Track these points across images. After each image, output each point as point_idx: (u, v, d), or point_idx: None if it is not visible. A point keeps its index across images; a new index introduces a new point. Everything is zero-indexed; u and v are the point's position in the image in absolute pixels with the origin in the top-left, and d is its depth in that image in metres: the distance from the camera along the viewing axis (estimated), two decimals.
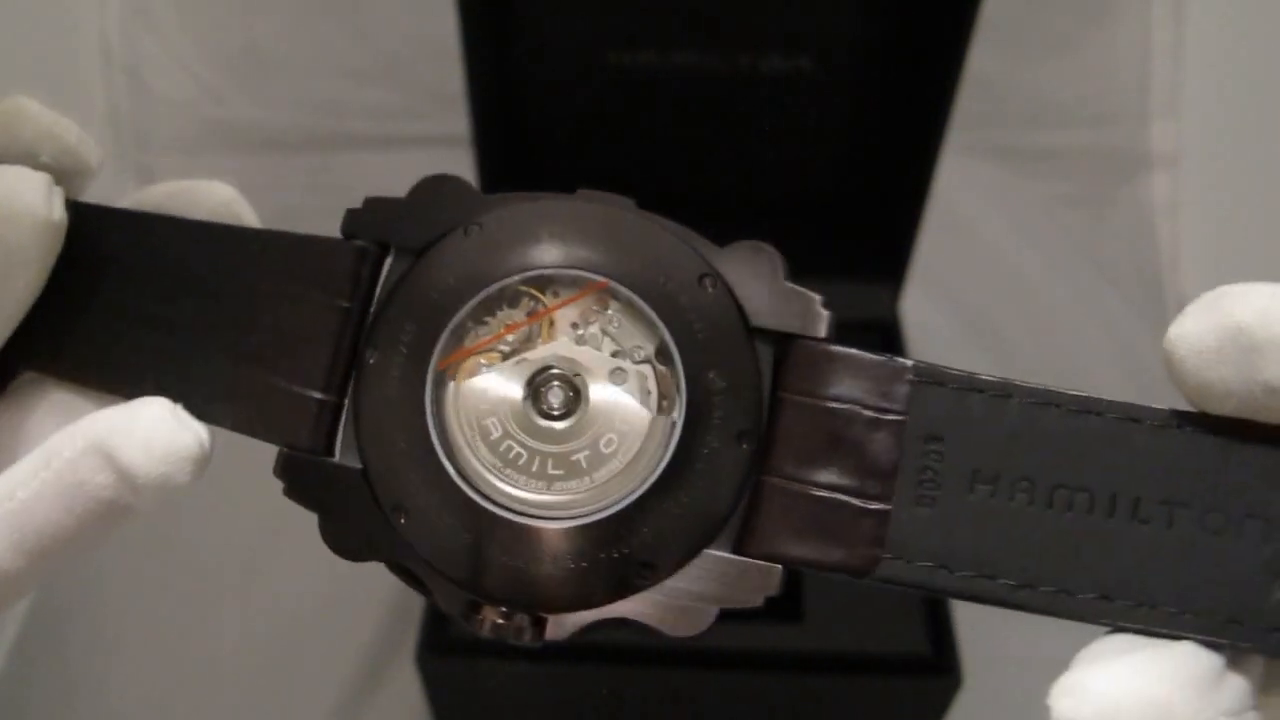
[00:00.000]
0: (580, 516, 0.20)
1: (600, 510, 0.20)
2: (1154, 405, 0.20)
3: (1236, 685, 0.18)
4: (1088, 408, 0.20)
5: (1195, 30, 0.69)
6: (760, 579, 0.20)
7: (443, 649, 0.45)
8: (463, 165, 0.55)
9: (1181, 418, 0.20)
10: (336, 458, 0.22)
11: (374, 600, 0.58)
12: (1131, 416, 0.20)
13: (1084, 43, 0.70)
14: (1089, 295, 0.70)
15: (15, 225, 0.21)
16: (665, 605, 0.21)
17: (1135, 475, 0.20)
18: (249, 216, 0.27)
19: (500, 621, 0.20)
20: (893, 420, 0.20)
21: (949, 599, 0.21)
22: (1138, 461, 0.20)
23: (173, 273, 0.23)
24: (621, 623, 0.21)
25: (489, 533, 0.20)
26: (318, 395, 0.21)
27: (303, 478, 0.22)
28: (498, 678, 0.47)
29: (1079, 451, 0.20)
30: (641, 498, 0.20)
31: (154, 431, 0.20)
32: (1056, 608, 0.20)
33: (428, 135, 0.71)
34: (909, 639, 0.47)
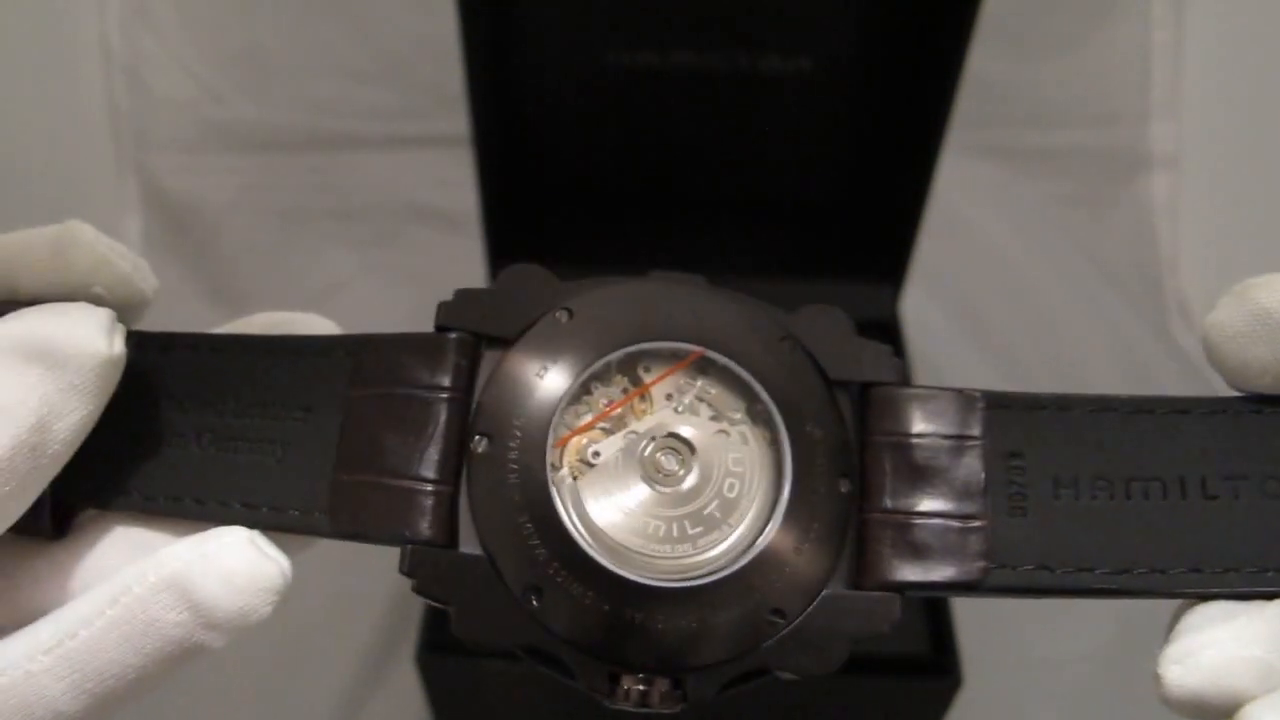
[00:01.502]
0: (714, 572, 0.22)
1: (727, 568, 0.22)
2: (1199, 395, 0.22)
3: None
4: (1140, 407, 0.22)
5: (1195, 30, 0.69)
6: (883, 609, 0.22)
7: (443, 649, 0.45)
8: (463, 165, 0.55)
9: (1225, 403, 0.22)
10: (460, 548, 0.22)
11: (374, 600, 0.58)
12: (1180, 409, 0.22)
13: (1084, 43, 0.70)
14: (1089, 295, 0.70)
15: (73, 361, 0.20)
16: (799, 647, 0.22)
17: (1195, 459, 0.22)
18: None
19: (642, 689, 0.21)
20: (973, 445, 0.22)
21: (1049, 596, 0.22)
22: (1194, 447, 0.22)
23: (251, 390, 0.23)
24: (759, 674, 0.22)
25: (628, 600, 0.21)
26: (431, 487, 0.21)
27: (430, 571, 0.21)
28: (498, 678, 0.47)
29: (1142, 446, 0.22)
30: (764, 551, 0.22)
31: (235, 563, 0.20)
32: (1153, 587, 0.21)
33: (428, 135, 0.71)
34: (909, 639, 0.47)
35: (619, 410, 0.23)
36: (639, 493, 0.23)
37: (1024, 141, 0.73)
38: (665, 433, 0.23)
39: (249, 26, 0.70)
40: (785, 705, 0.47)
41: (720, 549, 0.22)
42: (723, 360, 0.23)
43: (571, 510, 0.22)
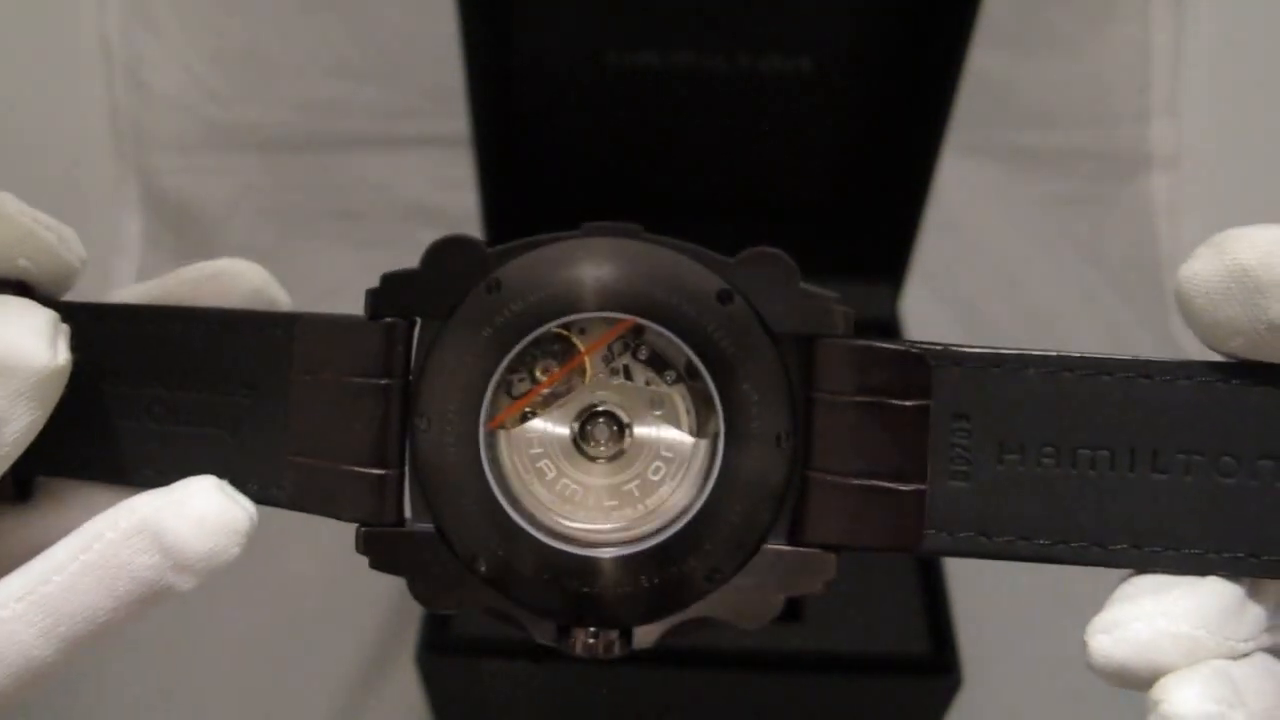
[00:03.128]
0: (643, 540, 0.22)
1: (661, 532, 0.22)
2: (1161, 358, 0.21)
3: (1255, 613, 0.20)
4: (1101, 369, 0.21)
5: (1195, 30, 0.69)
6: (818, 566, 0.22)
7: (443, 649, 0.45)
8: (463, 165, 0.55)
9: (1189, 368, 0.21)
10: (408, 525, 0.23)
11: (374, 600, 0.58)
12: (1142, 373, 0.21)
13: (1084, 43, 0.70)
14: (1089, 295, 0.70)
15: (19, 371, 0.20)
16: (735, 601, 0.22)
17: (1150, 429, 0.21)
18: (282, 299, 0.27)
19: (591, 641, 0.22)
20: (918, 405, 0.22)
21: (993, 558, 0.22)
22: (1151, 415, 0.21)
23: (195, 365, 0.24)
24: (700, 623, 0.22)
25: (562, 568, 0.22)
26: (378, 471, 0.23)
27: (384, 549, 0.23)
28: (498, 678, 0.47)
29: (1096, 412, 0.21)
30: (698, 515, 0.22)
31: (204, 507, 0.21)
32: (1090, 558, 0.21)
33: (428, 135, 0.71)
34: (909, 639, 0.47)
35: (554, 383, 0.23)
36: (567, 456, 0.23)
37: (1024, 141, 0.72)
38: (600, 406, 0.23)
39: (249, 26, 0.69)
40: (785, 705, 0.47)
41: (631, 522, 0.23)
42: (655, 327, 0.22)
43: (506, 485, 0.23)
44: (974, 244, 0.71)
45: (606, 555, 0.22)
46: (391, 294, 0.23)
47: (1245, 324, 0.20)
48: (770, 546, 0.22)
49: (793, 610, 0.48)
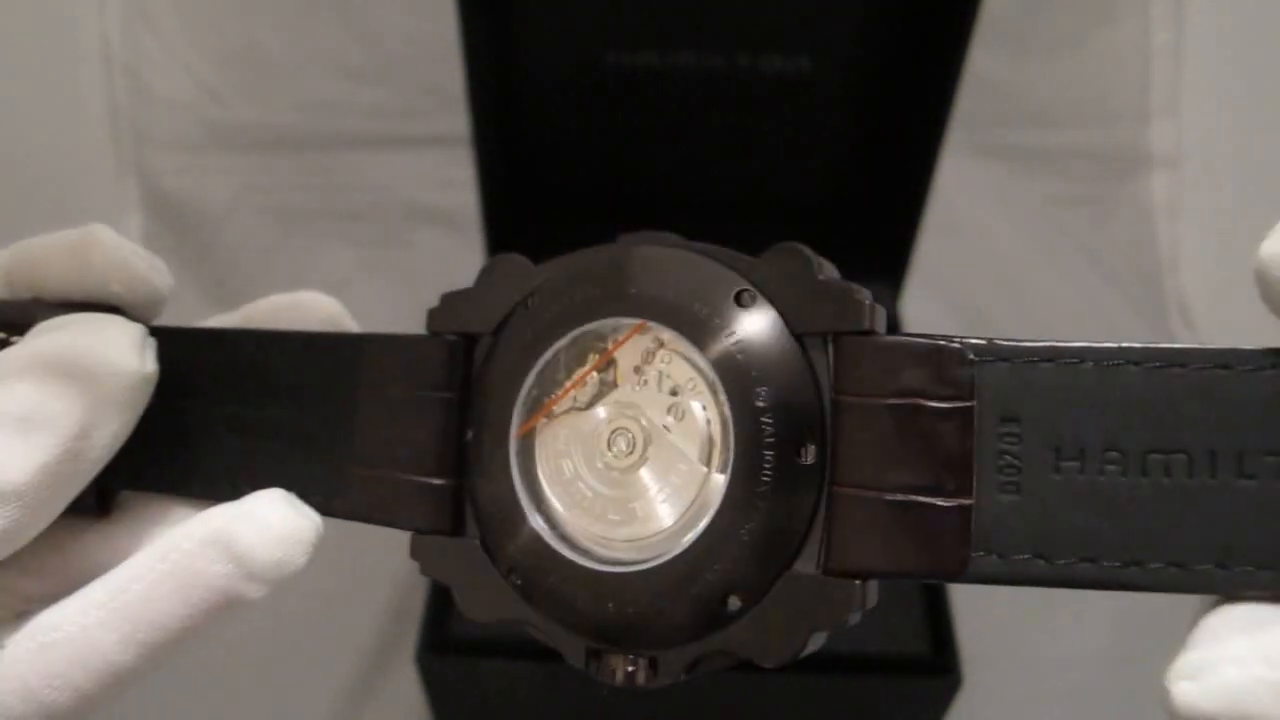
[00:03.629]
0: (655, 558, 0.21)
1: (673, 550, 0.21)
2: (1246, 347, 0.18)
3: None
4: (1171, 360, 0.18)
5: (1195, 30, 0.69)
6: (852, 596, 0.20)
7: (443, 649, 0.45)
8: (463, 165, 0.55)
9: (1276, 356, 0.18)
10: (466, 535, 0.23)
11: (374, 600, 0.58)
12: (1220, 364, 0.18)
13: (1084, 43, 0.70)
14: (1089, 295, 0.70)
15: (110, 379, 0.22)
16: (758, 634, 0.20)
17: (1234, 428, 0.18)
18: (351, 326, 0.28)
19: (615, 667, 0.22)
20: (960, 408, 0.19)
21: (1043, 585, 0.19)
22: (1234, 412, 0.18)
23: (269, 383, 0.25)
24: (724, 656, 0.21)
25: (584, 583, 0.22)
26: (436, 481, 0.23)
27: (432, 556, 0.23)
28: (498, 678, 0.47)
29: (1167, 410, 0.18)
30: (707, 530, 0.21)
31: (272, 518, 0.21)
32: (1169, 583, 0.18)
33: (428, 135, 0.71)
34: (909, 639, 0.47)
35: (582, 387, 0.23)
36: (586, 458, 0.23)
37: (1024, 141, 0.72)
38: (625, 409, 0.23)
39: (249, 26, 0.69)
40: (786, 705, 0.47)
41: (634, 542, 0.22)
42: (668, 333, 0.22)
43: (535, 492, 0.23)
44: (974, 244, 0.71)
45: (618, 572, 0.22)
46: (449, 312, 0.24)
47: None
48: (798, 572, 0.20)
49: None
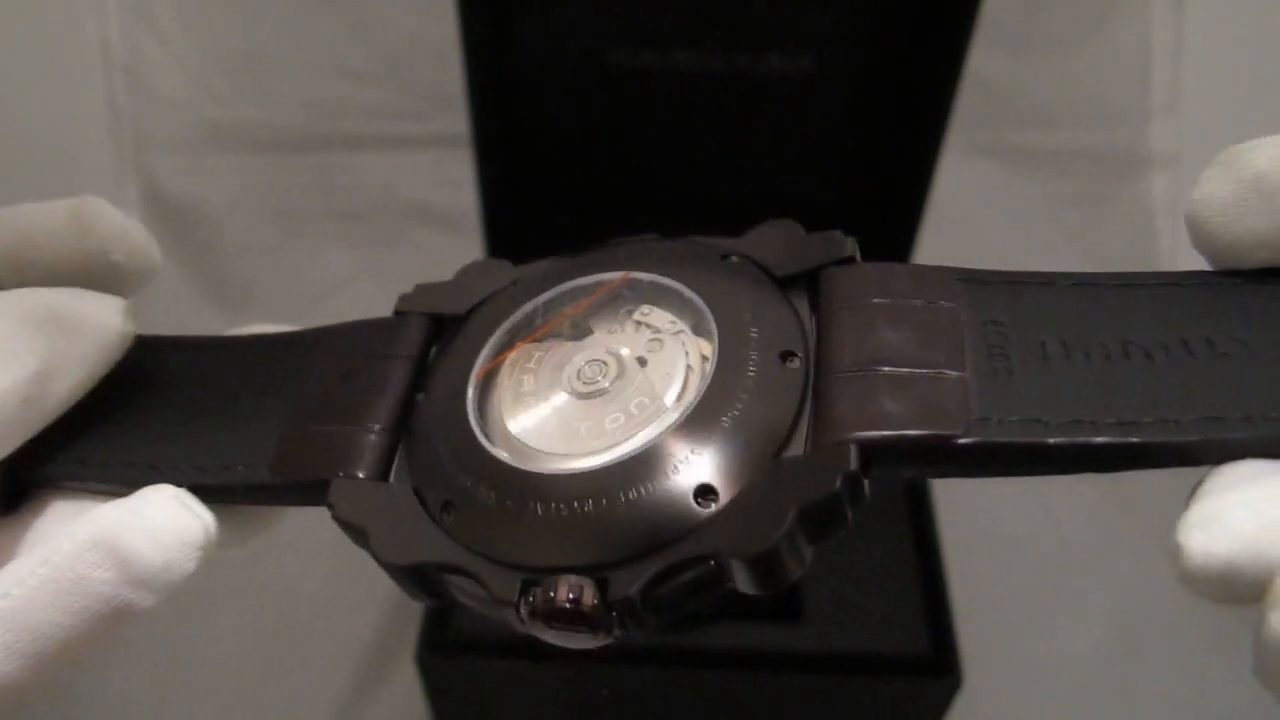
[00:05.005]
0: (618, 452, 0.19)
1: (640, 445, 0.19)
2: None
3: None
4: (1129, 281, 0.20)
5: (1195, 30, 0.69)
6: (840, 459, 0.18)
7: (443, 649, 0.45)
8: (463, 165, 0.55)
9: (1218, 276, 0.19)
10: (391, 481, 0.21)
11: (374, 600, 0.58)
12: (1172, 281, 0.20)
13: (1084, 43, 0.70)
14: None
15: (84, 329, 0.21)
16: (731, 528, 0.18)
17: (1200, 321, 0.19)
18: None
19: (551, 594, 0.18)
20: (945, 306, 0.19)
21: (1043, 461, 0.18)
22: (1196, 310, 0.19)
23: (215, 375, 0.24)
24: (692, 565, 0.18)
25: (532, 491, 0.19)
26: (371, 431, 0.22)
27: (351, 499, 0.21)
28: (498, 678, 0.47)
29: (1136, 313, 0.19)
30: (685, 422, 0.19)
31: (159, 519, 0.20)
32: (1167, 438, 0.17)
33: (428, 135, 0.71)
34: (909, 639, 0.47)
35: (550, 336, 0.22)
36: (557, 401, 0.21)
37: (1024, 141, 0.72)
38: (596, 350, 0.22)
39: (249, 26, 0.69)
40: (785, 705, 0.47)
41: (633, 440, 0.20)
42: (649, 277, 0.22)
43: (485, 421, 0.21)
44: (974, 243, 0.71)
45: (574, 467, 0.19)
46: (420, 295, 0.24)
47: (1269, 232, 0.18)
48: (782, 458, 0.19)
49: (793, 610, 0.48)
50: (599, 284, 0.22)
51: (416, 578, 0.20)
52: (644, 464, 0.19)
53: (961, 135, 0.53)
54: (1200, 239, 0.19)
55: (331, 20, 0.69)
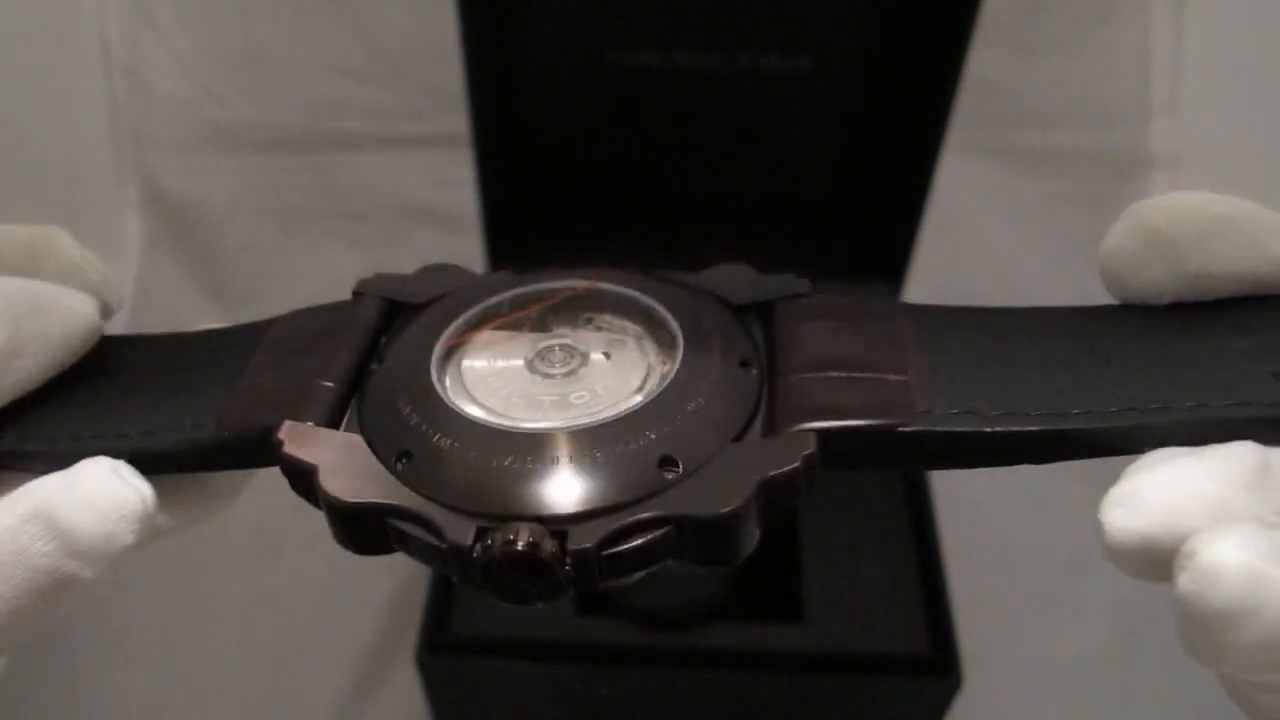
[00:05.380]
0: (585, 419, 0.20)
1: (608, 414, 0.20)
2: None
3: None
4: (1044, 310, 0.22)
5: (1195, 30, 0.69)
6: (799, 441, 0.19)
7: (443, 649, 0.45)
8: (463, 165, 0.55)
9: (1129, 309, 0.22)
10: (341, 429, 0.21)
11: (374, 600, 0.58)
12: (1083, 310, 0.22)
13: (1084, 43, 0.70)
14: (1089, 295, 0.70)
15: (58, 313, 0.21)
16: (693, 496, 0.19)
17: (1114, 336, 0.21)
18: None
19: (508, 539, 0.18)
20: (890, 326, 0.22)
21: (977, 451, 0.20)
22: (1108, 328, 0.21)
23: (171, 361, 0.24)
24: (654, 525, 0.19)
25: (496, 442, 0.20)
26: (323, 384, 0.22)
27: (302, 440, 0.21)
28: (498, 677, 0.47)
29: (1054, 331, 0.21)
30: (649, 405, 0.20)
31: (95, 490, 0.20)
32: (1093, 427, 0.19)
33: (428, 135, 0.71)
34: (909, 639, 0.47)
35: (515, 325, 0.23)
36: (522, 379, 0.22)
37: (1024, 141, 0.72)
38: (559, 339, 0.23)
39: (249, 26, 0.69)
40: (785, 705, 0.47)
41: (601, 413, 0.21)
42: (614, 288, 0.23)
43: (448, 388, 0.22)
44: (974, 244, 0.71)
45: (540, 428, 0.20)
46: (378, 281, 0.25)
47: (1170, 281, 0.21)
48: (743, 440, 0.20)
49: (793, 610, 0.48)
50: (566, 288, 0.24)
51: (362, 524, 0.20)
52: (612, 431, 0.20)
53: (961, 135, 0.53)
54: (1112, 286, 0.22)
55: (331, 20, 0.69)
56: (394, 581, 0.57)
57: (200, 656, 0.56)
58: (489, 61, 0.51)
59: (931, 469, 0.21)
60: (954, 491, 0.54)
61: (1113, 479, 0.18)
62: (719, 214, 0.60)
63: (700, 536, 0.19)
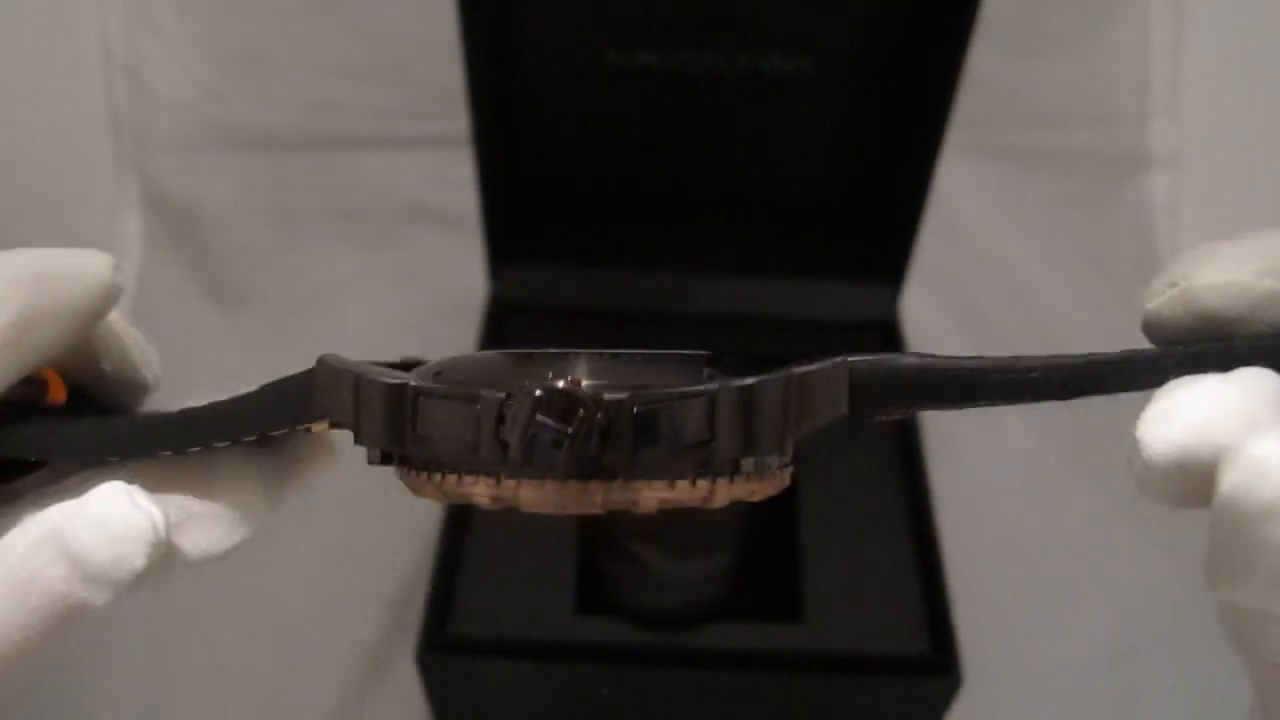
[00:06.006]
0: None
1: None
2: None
3: None
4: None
5: (1195, 30, 0.69)
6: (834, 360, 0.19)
7: (443, 649, 0.45)
8: (463, 165, 0.55)
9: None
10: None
11: (374, 600, 0.58)
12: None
13: (1084, 43, 0.70)
14: (1089, 295, 0.70)
15: (68, 281, 0.20)
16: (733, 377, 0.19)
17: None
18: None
19: (555, 381, 0.18)
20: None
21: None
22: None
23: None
24: (685, 398, 0.18)
25: (548, 355, 0.19)
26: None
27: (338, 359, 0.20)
28: (498, 677, 0.47)
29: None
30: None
31: (107, 513, 0.19)
32: (1102, 358, 0.19)
33: (428, 135, 0.71)
34: (909, 639, 0.47)
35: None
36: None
37: (1024, 141, 0.73)
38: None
39: (249, 26, 0.70)
40: (785, 705, 0.47)
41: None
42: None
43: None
44: (974, 244, 0.71)
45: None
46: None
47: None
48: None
49: (793, 610, 0.48)
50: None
51: (398, 400, 0.19)
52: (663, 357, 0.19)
53: (961, 135, 0.53)
54: (1153, 340, 0.21)
55: (331, 20, 0.69)
56: (394, 581, 0.57)
57: (199, 656, 0.56)
58: (489, 61, 0.51)
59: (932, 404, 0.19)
60: (954, 492, 0.54)
61: (1112, 480, 0.18)
62: (719, 214, 0.60)
63: (737, 408, 0.18)
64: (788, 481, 0.20)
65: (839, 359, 0.18)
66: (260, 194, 0.72)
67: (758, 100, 0.55)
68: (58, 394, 0.23)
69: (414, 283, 0.69)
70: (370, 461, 0.20)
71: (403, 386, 0.18)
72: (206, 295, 0.69)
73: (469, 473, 0.19)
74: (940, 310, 0.68)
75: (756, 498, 0.19)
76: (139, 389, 0.24)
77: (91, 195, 0.70)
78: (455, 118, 0.54)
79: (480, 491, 0.19)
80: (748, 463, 0.18)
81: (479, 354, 0.21)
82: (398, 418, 0.19)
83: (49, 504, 0.21)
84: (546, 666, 0.46)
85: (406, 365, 0.21)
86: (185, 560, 0.21)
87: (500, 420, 0.17)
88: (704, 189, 0.61)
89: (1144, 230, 0.72)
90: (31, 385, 0.22)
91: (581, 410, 0.17)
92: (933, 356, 0.19)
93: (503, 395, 0.17)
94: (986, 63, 0.53)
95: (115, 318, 0.23)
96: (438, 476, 0.19)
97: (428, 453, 0.19)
